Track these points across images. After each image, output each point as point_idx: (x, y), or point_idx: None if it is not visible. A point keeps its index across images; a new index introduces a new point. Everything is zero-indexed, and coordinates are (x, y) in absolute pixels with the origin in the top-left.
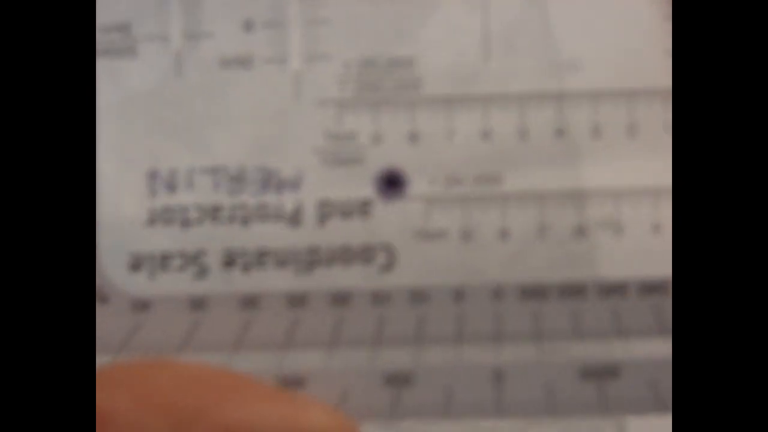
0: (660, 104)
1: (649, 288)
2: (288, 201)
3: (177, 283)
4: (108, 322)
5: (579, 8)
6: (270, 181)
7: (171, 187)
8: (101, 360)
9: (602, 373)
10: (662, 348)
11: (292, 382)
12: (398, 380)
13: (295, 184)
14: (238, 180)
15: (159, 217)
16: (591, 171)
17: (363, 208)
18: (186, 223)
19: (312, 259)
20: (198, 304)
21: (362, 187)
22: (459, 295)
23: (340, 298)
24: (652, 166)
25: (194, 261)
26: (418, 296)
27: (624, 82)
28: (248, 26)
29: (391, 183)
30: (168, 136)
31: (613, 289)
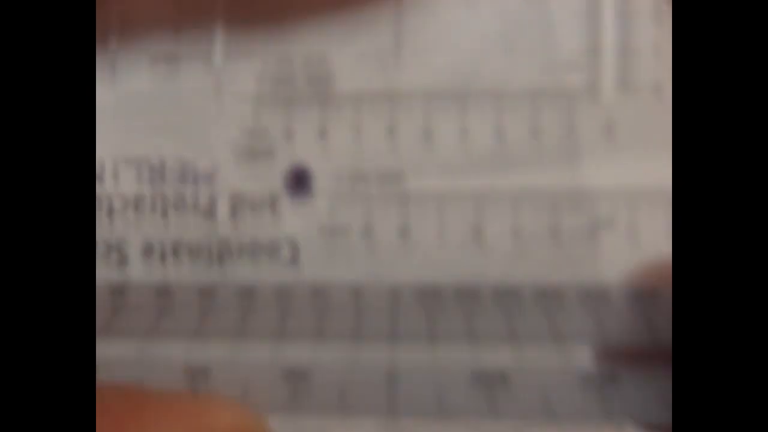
0: (595, 106)
1: (543, 293)
2: (203, 194)
3: (99, 271)
4: None
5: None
6: (187, 173)
7: (98, 177)
8: None
9: (492, 379)
10: (554, 355)
11: (198, 372)
12: (296, 375)
13: (210, 177)
14: (159, 171)
15: None
16: (492, 175)
17: (272, 204)
18: (110, 213)
19: (223, 252)
20: (118, 291)
21: (272, 182)
22: (358, 293)
23: (247, 292)
24: (552, 173)
25: (116, 249)
26: (320, 293)
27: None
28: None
29: (298, 179)
30: (98, 129)
31: (507, 294)
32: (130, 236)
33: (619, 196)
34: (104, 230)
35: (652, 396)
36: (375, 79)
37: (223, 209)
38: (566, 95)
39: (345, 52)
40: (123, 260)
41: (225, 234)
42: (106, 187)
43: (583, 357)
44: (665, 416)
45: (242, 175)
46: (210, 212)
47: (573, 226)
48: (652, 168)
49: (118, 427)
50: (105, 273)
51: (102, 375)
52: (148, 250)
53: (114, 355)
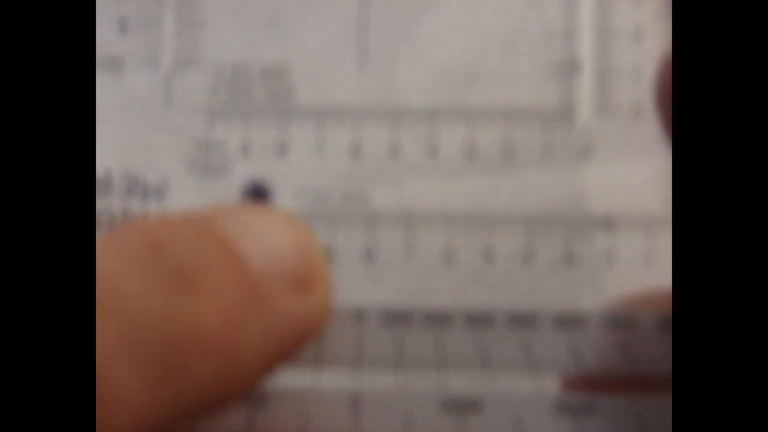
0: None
1: (516, 320)
2: (153, 209)
3: None
4: None
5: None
6: (136, 187)
7: None
8: None
9: (464, 407)
10: (527, 383)
11: None
12: (254, 401)
13: (160, 191)
14: (104, 185)
15: None
16: (463, 192)
17: None
18: None
19: None
20: None
21: (228, 198)
22: None
23: None
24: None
25: None
26: None
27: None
28: (122, 26)
29: (257, 195)
30: None
31: (480, 320)
32: None
33: (597, 222)
34: None
35: (628, 426)
36: (339, 92)
37: None
38: (541, 115)
39: (307, 64)
40: None
41: None
42: None
43: (558, 384)
44: None
45: (196, 190)
46: None
47: (548, 252)
48: (630, 191)
49: None
50: None
51: None
52: None
53: None
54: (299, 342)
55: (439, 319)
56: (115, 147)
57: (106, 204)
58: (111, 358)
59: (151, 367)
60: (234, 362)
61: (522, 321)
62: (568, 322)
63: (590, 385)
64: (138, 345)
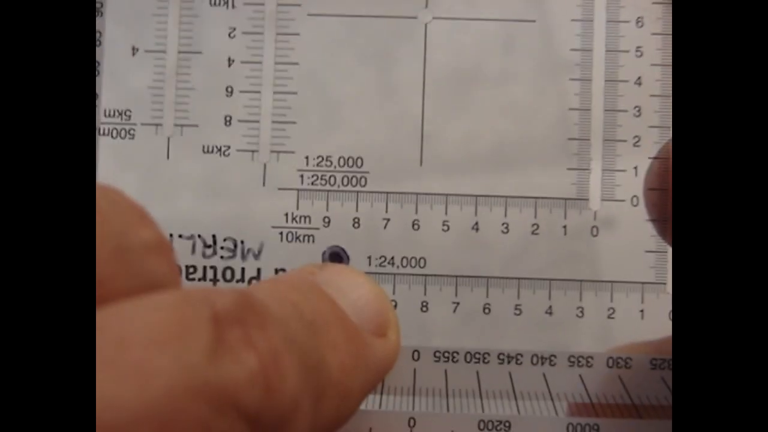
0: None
1: (538, 359)
2: (250, 267)
3: None
4: None
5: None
6: (236, 249)
7: None
8: None
9: (496, 426)
10: (550, 408)
11: None
12: None
13: (257, 254)
14: (211, 247)
15: None
16: (497, 260)
17: None
18: None
19: None
20: None
21: (312, 260)
22: None
23: None
24: (550, 268)
25: None
26: None
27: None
28: (227, 121)
29: (336, 259)
30: (155, 206)
31: (510, 358)
32: None
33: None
34: None
35: None
36: (402, 183)
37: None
38: (561, 200)
39: (377, 157)
40: None
41: None
42: None
43: (566, 410)
44: None
45: (286, 253)
46: (257, 282)
47: (566, 307)
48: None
49: None
50: None
51: None
52: None
53: None
54: (382, 378)
55: (478, 358)
56: (222, 217)
57: (212, 262)
58: (298, 392)
59: (313, 402)
60: (347, 398)
61: (542, 359)
62: (578, 361)
63: (594, 411)
64: (312, 381)
